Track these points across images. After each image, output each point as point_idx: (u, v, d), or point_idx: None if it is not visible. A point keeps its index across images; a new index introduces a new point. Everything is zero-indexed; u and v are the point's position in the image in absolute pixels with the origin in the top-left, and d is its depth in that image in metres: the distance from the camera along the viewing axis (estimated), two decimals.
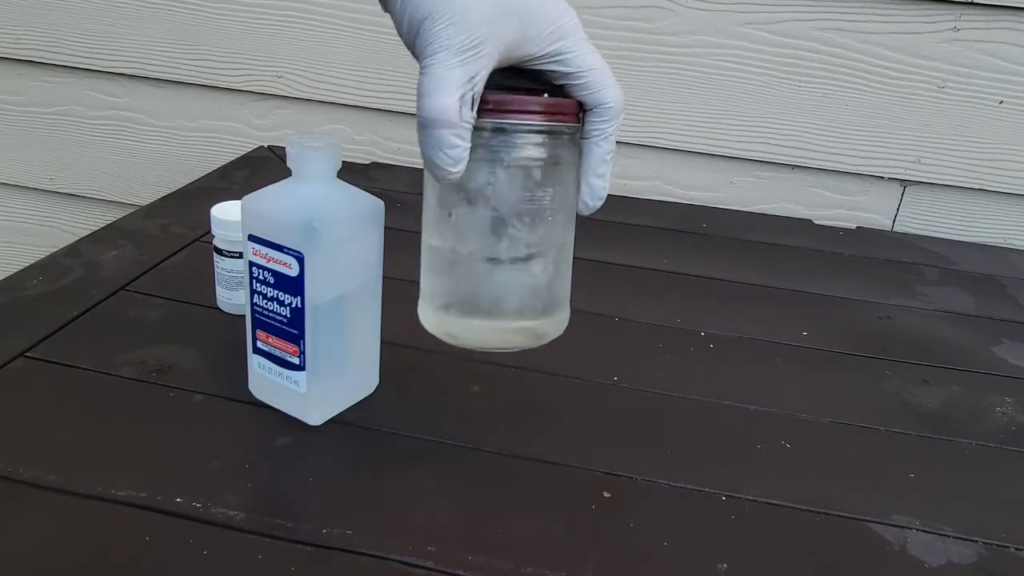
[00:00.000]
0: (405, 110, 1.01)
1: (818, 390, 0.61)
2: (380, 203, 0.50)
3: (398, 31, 0.41)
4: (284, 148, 0.52)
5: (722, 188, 1.00)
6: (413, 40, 0.39)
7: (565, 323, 0.46)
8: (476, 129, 0.39)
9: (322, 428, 0.51)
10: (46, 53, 1.06)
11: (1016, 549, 0.46)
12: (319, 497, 0.46)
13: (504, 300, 0.43)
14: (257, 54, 1.02)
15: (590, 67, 0.40)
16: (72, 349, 0.57)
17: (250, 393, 0.53)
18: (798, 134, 0.95)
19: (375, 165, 1.01)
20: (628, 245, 0.83)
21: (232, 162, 0.98)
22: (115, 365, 0.56)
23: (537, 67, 0.40)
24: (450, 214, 0.42)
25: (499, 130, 0.40)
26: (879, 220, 0.98)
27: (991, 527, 0.48)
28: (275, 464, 0.48)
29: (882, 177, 0.96)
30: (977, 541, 0.47)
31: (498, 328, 0.44)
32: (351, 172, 0.49)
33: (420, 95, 0.37)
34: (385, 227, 0.50)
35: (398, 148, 1.04)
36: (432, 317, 0.45)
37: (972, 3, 0.86)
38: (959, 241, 0.95)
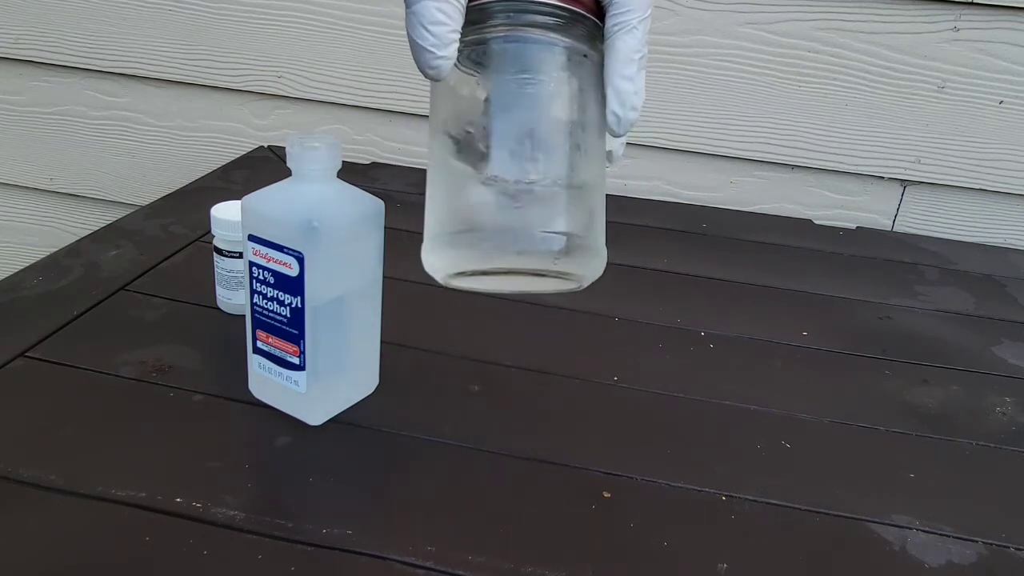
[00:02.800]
0: (405, 110, 1.01)
1: (818, 390, 0.61)
2: (380, 203, 0.50)
3: None
4: (284, 148, 0.52)
5: (722, 188, 1.00)
6: None
7: (601, 270, 0.39)
8: (471, 25, 0.35)
9: (322, 428, 0.51)
10: (46, 53, 1.06)
11: (1016, 549, 0.46)
12: (319, 497, 0.46)
13: (521, 227, 0.37)
14: (257, 54, 1.02)
15: None
16: (72, 349, 0.57)
17: (250, 393, 0.53)
18: (798, 134, 0.95)
19: (375, 165, 1.01)
20: (628, 245, 0.83)
21: (232, 162, 0.98)
22: (115, 365, 0.56)
23: None
24: (457, 131, 0.37)
25: (491, 15, 0.35)
26: (879, 220, 0.98)
27: (991, 527, 0.48)
28: (275, 464, 0.48)
29: (882, 177, 0.96)
30: (977, 541, 0.47)
31: (520, 262, 0.37)
32: (351, 172, 0.49)
33: None
34: (385, 227, 0.50)
35: (398, 148, 1.04)
36: (439, 257, 0.39)
37: (972, 3, 0.86)
38: (959, 241, 0.95)
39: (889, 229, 0.98)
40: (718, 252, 0.84)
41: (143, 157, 1.11)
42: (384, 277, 0.52)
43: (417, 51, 0.34)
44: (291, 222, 0.46)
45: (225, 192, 0.87)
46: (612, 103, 0.37)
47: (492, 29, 0.36)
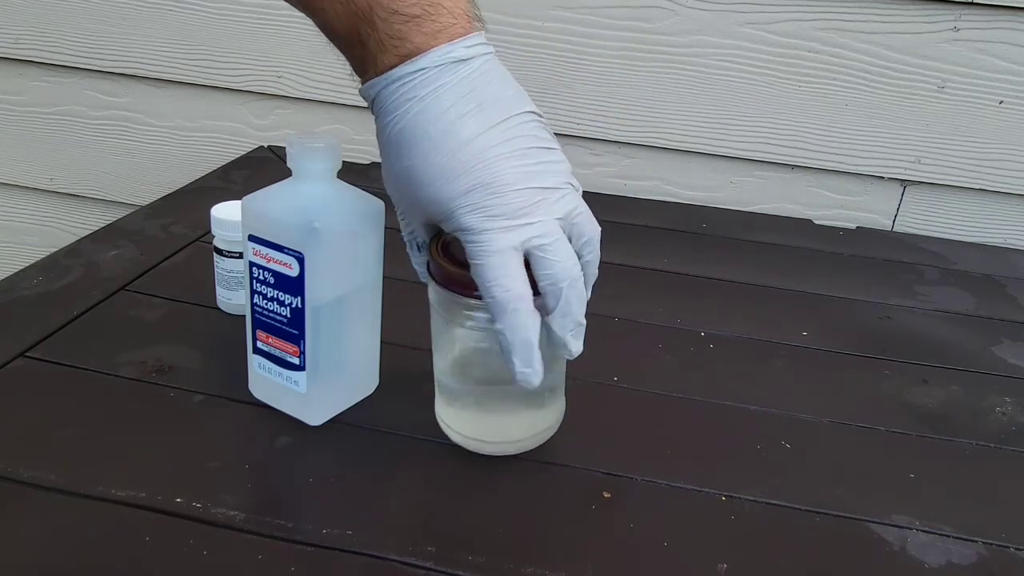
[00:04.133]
0: None
1: (818, 390, 0.61)
2: (380, 203, 0.50)
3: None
4: (284, 148, 0.52)
5: (722, 188, 1.00)
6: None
7: (558, 424, 0.51)
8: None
9: (322, 428, 0.51)
10: (46, 53, 1.06)
11: (1016, 549, 0.46)
12: (319, 497, 0.46)
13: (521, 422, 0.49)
14: (257, 54, 1.02)
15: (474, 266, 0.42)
16: (72, 349, 0.57)
17: (250, 393, 0.53)
18: (798, 134, 0.95)
19: (375, 165, 1.01)
20: (628, 245, 0.83)
21: (232, 162, 0.98)
22: (115, 365, 0.56)
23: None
24: (459, 356, 0.48)
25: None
26: (879, 220, 0.98)
27: (991, 527, 0.48)
28: (275, 464, 0.48)
29: (882, 177, 0.96)
30: (977, 541, 0.47)
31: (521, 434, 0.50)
32: (351, 172, 0.49)
33: None
34: (385, 227, 0.50)
35: None
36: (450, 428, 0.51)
37: (972, 3, 0.86)
38: (959, 241, 0.95)
39: (889, 229, 0.98)
40: (718, 252, 0.84)
41: (143, 157, 1.11)
42: (384, 277, 0.52)
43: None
44: (291, 222, 0.46)
45: (225, 192, 0.87)
46: (560, 354, 0.46)
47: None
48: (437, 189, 0.41)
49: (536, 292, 0.42)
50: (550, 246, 0.41)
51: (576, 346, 0.45)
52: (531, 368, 0.43)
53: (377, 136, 0.43)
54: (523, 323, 0.42)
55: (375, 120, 0.43)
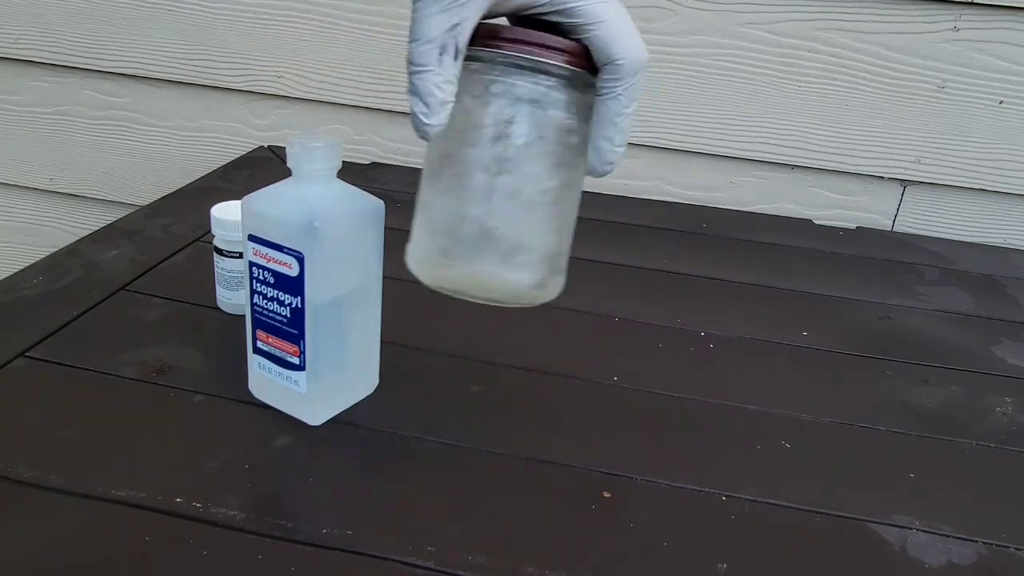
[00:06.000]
0: (405, 110, 1.01)
1: (818, 390, 0.61)
2: (380, 203, 0.50)
3: None
4: (284, 148, 0.52)
5: (722, 188, 1.00)
6: None
7: (558, 290, 0.44)
8: (469, 61, 0.38)
9: (322, 428, 0.51)
10: (46, 53, 1.06)
11: (1016, 549, 0.46)
12: (319, 497, 0.46)
13: (489, 240, 0.40)
14: (257, 54, 1.02)
15: (596, 19, 0.38)
16: (72, 349, 0.57)
17: (250, 393, 0.53)
18: (798, 134, 0.95)
19: (375, 165, 1.01)
20: (628, 245, 0.83)
21: (232, 162, 0.98)
22: (115, 365, 0.56)
23: (542, 17, 0.39)
24: (446, 156, 0.41)
25: (487, 62, 0.39)
26: (879, 220, 0.98)
27: (991, 527, 0.48)
28: (275, 464, 0.48)
29: (882, 177, 0.96)
30: (977, 541, 0.47)
31: (481, 273, 0.41)
32: (351, 172, 0.49)
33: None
34: (385, 227, 0.50)
35: (398, 148, 1.04)
36: (422, 262, 0.43)
37: (972, 3, 0.86)
38: (959, 241, 0.95)
39: (889, 229, 0.98)
40: (718, 252, 0.84)
41: (143, 157, 1.11)
42: (384, 277, 0.52)
43: (412, 116, 0.38)
44: (291, 222, 0.46)
45: (225, 192, 0.87)
46: (592, 158, 0.41)
47: (495, 71, 0.39)
48: None
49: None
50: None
51: (603, 165, 0.40)
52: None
53: None
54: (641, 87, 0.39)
55: None
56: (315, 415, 0.51)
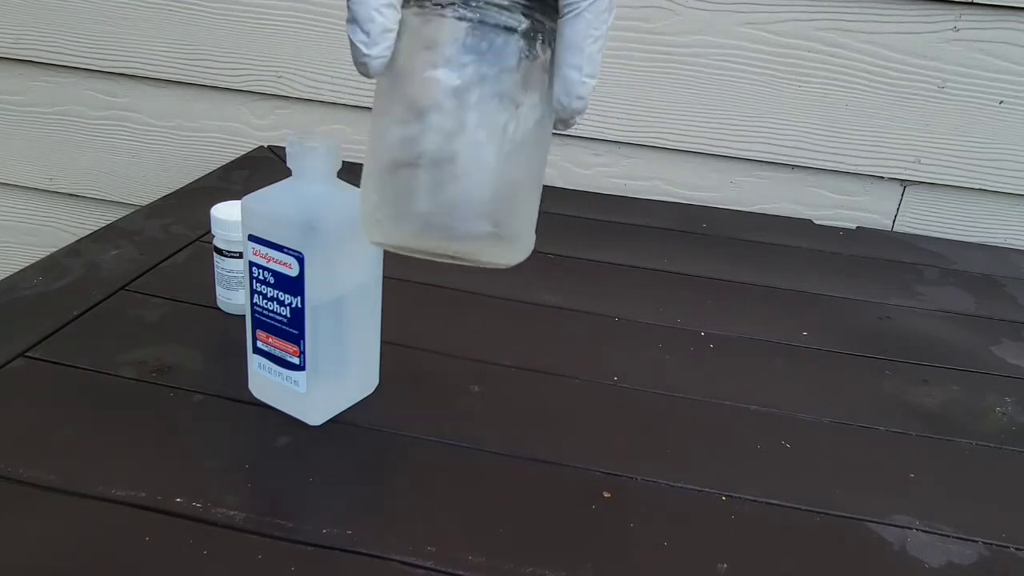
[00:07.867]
0: None
1: (818, 390, 0.61)
2: None
3: None
4: (284, 148, 0.52)
5: (722, 188, 0.99)
6: None
7: (526, 254, 0.39)
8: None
9: (322, 428, 0.51)
10: (46, 53, 1.06)
11: (1016, 549, 0.46)
12: (319, 497, 0.46)
13: (445, 214, 0.37)
14: (257, 54, 1.02)
15: None
16: (72, 349, 0.57)
17: (250, 393, 0.53)
18: (798, 134, 0.95)
19: None
20: (628, 245, 0.83)
21: (232, 162, 0.98)
22: (115, 365, 0.56)
23: None
24: (393, 98, 0.37)
25: None
26: (879, 220, 0.98)
27: (991, 527, 0.48)
28: (275, 464, 0.48)
29: (882, 177, 0.96)
30: (977, 541, 0.47)
31: (432, 225, 0.37)
32: (351, 172, 0.49)
33: None
34: None
35: None
36: (372, 222, 0.39)
37: (972, 3, 0.86)
38: (959, 241, 0.95)
39: (889, 229, 0.98)
40: (718, 252, 0.84)
41: (143, 157, 1.11)
42: (384, 277, 0.52)
43: (351, 48, 0.34)
44: (291, 222, 0.46)
45: (225, 192, 0.87)
46: (558, 92, 0.35)
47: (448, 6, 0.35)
48: None
49: None
50: None
51: (571, 100, 0.36)
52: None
53: None
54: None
55: None
56: (315, 415, 0.51)
